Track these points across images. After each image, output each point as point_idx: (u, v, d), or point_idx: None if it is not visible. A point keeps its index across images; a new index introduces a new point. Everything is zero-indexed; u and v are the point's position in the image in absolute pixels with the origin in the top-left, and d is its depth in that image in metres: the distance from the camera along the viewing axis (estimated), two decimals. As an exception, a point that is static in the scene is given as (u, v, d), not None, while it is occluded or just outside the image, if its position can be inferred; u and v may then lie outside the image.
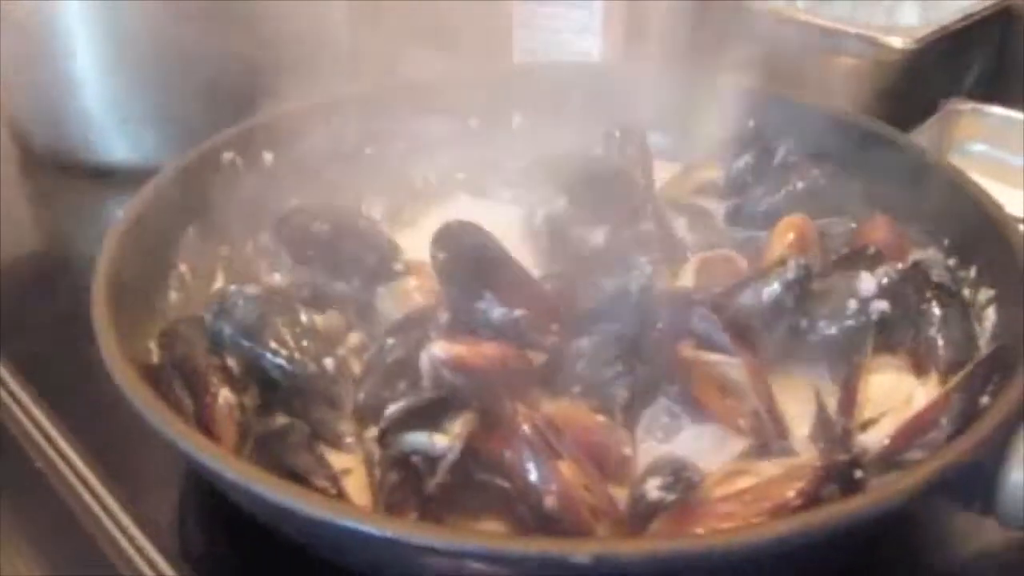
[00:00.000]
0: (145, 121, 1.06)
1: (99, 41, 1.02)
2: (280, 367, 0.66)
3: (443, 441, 0.59)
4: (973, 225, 0.79)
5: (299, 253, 0.78)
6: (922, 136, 1.19)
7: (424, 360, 0.64)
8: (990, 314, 0.74)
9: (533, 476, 0.58)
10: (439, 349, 0.64)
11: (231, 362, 0.66)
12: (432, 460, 0.59)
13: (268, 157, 0.91)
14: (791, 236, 0.81)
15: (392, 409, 0.61)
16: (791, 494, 0.57)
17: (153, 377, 0.65)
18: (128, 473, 0.71)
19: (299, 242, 0.77)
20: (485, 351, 0.65)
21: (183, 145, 0.92)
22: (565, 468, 0.59)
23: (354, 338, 0.72)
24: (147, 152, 1.06)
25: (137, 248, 0.75)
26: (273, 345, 0.66)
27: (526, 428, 0.60)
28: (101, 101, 1.05)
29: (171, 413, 0.59)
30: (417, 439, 0.60)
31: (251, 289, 0.70)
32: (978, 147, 1.21)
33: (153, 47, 1.02)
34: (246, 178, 0.88)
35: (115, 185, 1.02)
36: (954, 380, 0.66)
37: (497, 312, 0.68)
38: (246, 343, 0.67)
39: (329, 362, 0.66)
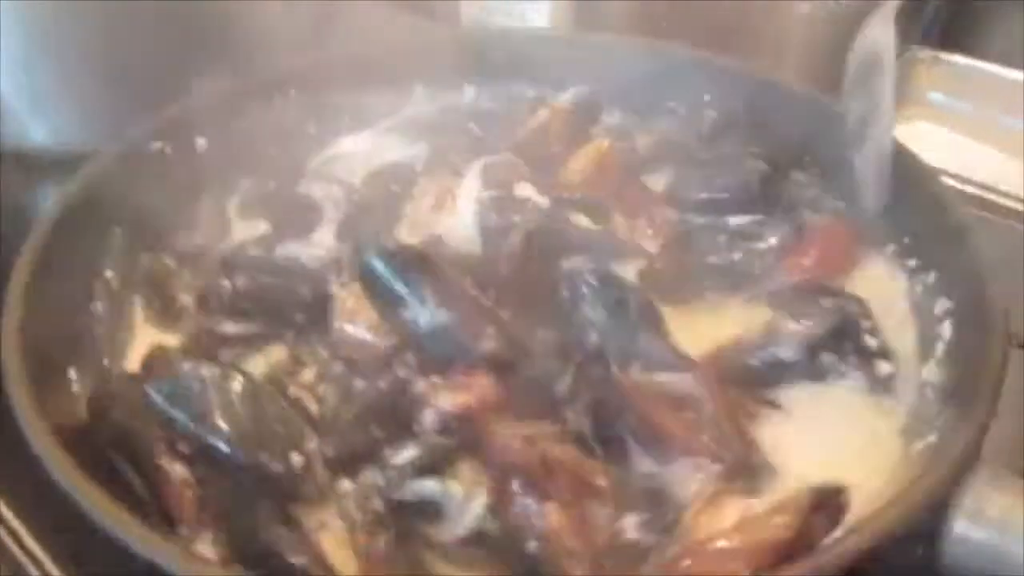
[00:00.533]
0: (60, 102, 0.99)
1: (7, 20, 0.93)
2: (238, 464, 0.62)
3: (458, 488, 0.59)
4: (935, 226, 0.77)
5: (237, 312, 0.74)
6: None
7: (431, 415, 0.62)
8: (945, 330, 0.72)
9: (522, 520, 0.58)
10: (448, 402, 0.62)
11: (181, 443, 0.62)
12: (439, 509, 0.59)
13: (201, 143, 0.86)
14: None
15: (400, 458, 0.60)
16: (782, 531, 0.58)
17: (86, 450, 0.61)
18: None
19: (232, 303, 0.74)
20: (484, 394, 0.63)
21: (102, 126, 0.87)
22: (553, 512, 0.58)
23: (308, 373, 0.70)
24: (64, 135, 1.00)
25: (56, 269, 0.71)
26: (230, 434, 0.62)
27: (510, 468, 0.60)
28: (10, 82, 0.98)
29: (118, 506, 0.55)
30: (426, 487, 0.59)
31: (203, 369, 0.64)
32: (937, 97, 1.19)
33: (65, 24, 0.94)
34: (178, 168, 0.84)
35: (32, 170, 0.97)
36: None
37: (424, 318, 0.67)
38: (202, 433, 0.62)
39: (296, 459, 0.62)
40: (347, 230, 0.83)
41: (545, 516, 0.58)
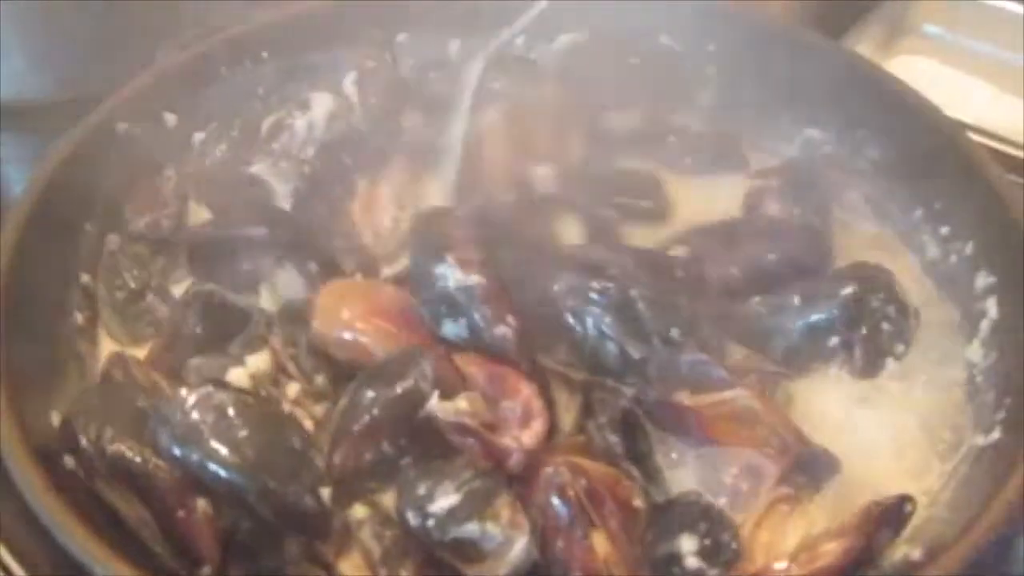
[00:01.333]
0: (12, 51, 0.89)
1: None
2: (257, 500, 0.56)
3: (497, 530, 0.54)
4: (970, 191, 0.72)
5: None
6: (877, 18, 1.11)
7: (517, 457, 0.57)
8: (990, 307, 0.69)
9: (567, 553, 0.55)
10: (529, 439, 0.57)
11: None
12: (478, 549, 0.54)
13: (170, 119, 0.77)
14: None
15: (438, 506, 0.55)
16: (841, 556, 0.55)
17: (77, 479, 0.56)
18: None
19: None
20: (541, 409, 0.60)
21: (55, 76, 0.83)
22: (599, 540, 0.55)
23: (292, 389, 0.63)
24: (17, 85, 0.90)
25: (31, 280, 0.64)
26: (273, 486, 0.55)
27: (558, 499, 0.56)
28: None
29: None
30: (464, 530, 0.54)
31: (203, 398, 0.57)
32: (934, 31, 1.13)
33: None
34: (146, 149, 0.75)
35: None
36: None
37: (454, 279, 0.63)
38: (225, 475, 0.56)
39: (326, 493, 0.57)
40: (299, 208, 0.76)
41: (592, 546, 0.54)
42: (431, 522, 0.54)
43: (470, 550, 0.54)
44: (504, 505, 0.55)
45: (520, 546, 0.54)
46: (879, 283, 0.70)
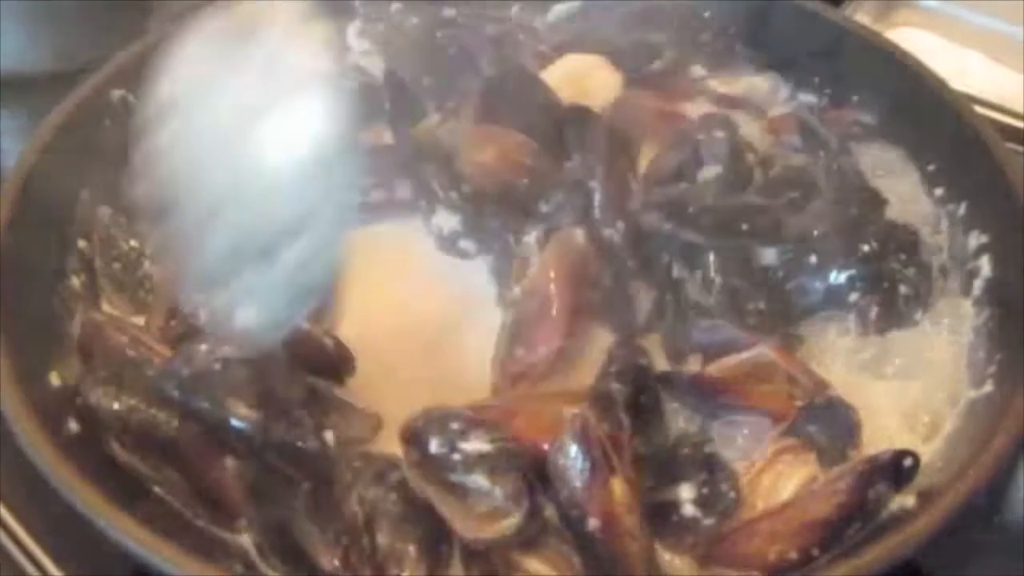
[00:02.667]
0: (10, 24, 0.89)
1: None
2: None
3: (500, 495, 0.54)
4: (964, 152, 0.72)
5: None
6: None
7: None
8: (983, 266, 0.69)
9: (582, 495, 0.54)
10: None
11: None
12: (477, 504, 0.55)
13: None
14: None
15: (471, 446, 0.55)
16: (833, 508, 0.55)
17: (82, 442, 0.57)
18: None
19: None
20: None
21: (47, 48, 0.83)
22: (616, 486, 0.54)
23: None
24: (16, 59, 0.90)
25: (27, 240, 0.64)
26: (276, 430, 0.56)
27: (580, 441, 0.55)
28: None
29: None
30: (470, 480, 0.55)
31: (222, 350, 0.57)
32: (931, 3, 1.13)
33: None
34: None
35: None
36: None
37: None
38: (231, 422, 0.56)
39: (329, 436, 0.57)
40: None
41: (612, 489, 0.54)
42: (457, 456, 0.55)
43: (471, 501, 0.55)
44: (518, 479, 0.55)
45: (510, 523, 0.54)
46: (903, 242, 0.69)
